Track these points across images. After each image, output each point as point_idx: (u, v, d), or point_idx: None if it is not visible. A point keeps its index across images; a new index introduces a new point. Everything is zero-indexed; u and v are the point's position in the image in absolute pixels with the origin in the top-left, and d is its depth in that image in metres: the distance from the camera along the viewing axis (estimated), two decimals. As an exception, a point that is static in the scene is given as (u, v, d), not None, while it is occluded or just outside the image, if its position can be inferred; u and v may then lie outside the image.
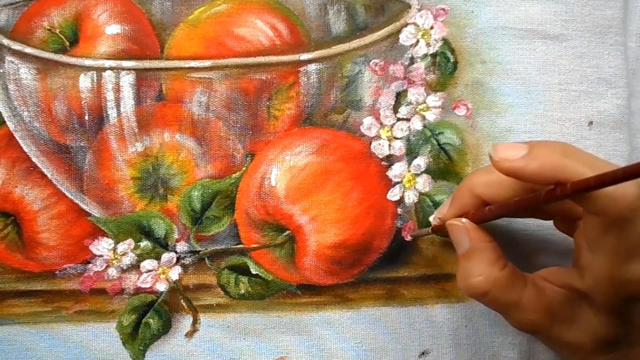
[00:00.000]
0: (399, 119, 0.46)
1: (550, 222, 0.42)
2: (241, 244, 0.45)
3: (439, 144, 0.46)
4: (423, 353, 0.45)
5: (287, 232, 0.45)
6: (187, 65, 0.44)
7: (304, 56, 0.45)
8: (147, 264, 0.45)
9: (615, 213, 0.33)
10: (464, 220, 0.39)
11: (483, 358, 0.46)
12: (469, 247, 0.38)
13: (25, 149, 0.45)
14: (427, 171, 0.46)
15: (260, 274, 0.45)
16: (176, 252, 0.45)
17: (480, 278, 0.38)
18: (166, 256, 0.45)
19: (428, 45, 0.46)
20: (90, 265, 0.45)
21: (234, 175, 0.45)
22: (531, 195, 0.36)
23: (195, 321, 0.45)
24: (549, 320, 0.38)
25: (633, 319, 0.38)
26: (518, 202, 0.36)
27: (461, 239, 0.39)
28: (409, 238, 0.46)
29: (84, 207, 0.45)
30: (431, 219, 0.43)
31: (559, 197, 0.34)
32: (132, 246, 0.45)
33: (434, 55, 0.46)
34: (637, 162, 0.29)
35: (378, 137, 0.46)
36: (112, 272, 0.45)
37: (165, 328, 0.45)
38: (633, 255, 0.34)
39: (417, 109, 0.46)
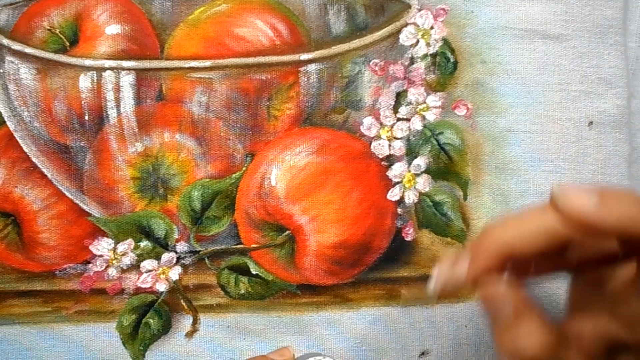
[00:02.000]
0: (399, 119, 0.46)
1: None
2: (241, 244, 0.45)
3: (439, 144, 0.46)
4: (423, 353, 0.45)
5: (287, 232, 0.45)
6: (187, 65, 0.44)
7: (304, 56, 0.45)
8: (147, 264, 0.45)
9: None
10: (502, 284, 0.34)
11: (483, 358, 0.46)
12: (512, 314, 0.34)
13: (25, 149, 0.45)
14: (427, 171, 0.46)
15: (260, 274, 0.45)
16: (176, 252, 0.45)
17: (529, 345, 0.34)
18: (166, 256, 0.45)
19: (428, 45, 0.46)
20: (90, 265, 0.45)
21: (234, 175, 0.45)
22: (605, 254, 0.32)
23: (195, 321, 0.45)
24: None
25: None
26: (584, 261, 0.33)
27: (501, 306, 0.34)
28: (408, 234, 0.46)
29: (84, 207, 0.45)
30: (432, 284, 0.36)
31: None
32: (132, 246, 0.45)
33: (434, 55, 0.46)
34: None
35: (378, 137, 0.46)
36: (112, 272, 0.45)
37: (165, 328, 0.45)
38: None
39: (417, 109, 0.46)
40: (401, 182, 0.46)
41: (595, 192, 0.31)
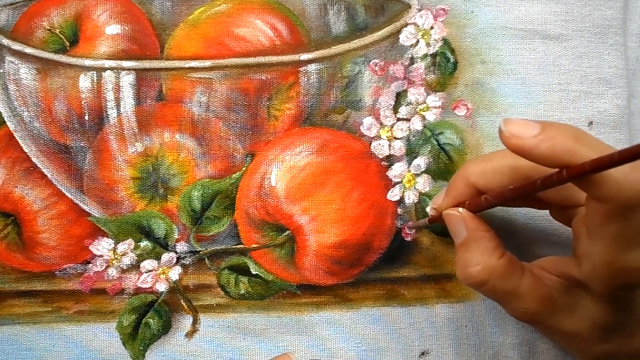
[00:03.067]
0: (399, 119, 0.46)
1: (546, 212, 0.42)
2: (241, 244, 0.45)
3: (439, 144, 0.46)
4: (423, 353, 0.45)
5: (287, 232, 0.45)
6: (187, 65, 0.44)
7: (304, 56, 0.45)
8: (147, 264, 0.45)
9: (621, 201, 0.33)
10: (460, 209, 0.39)
11: (483, 358, 0.46)
12: (466, 236, 0.38)
13: (25, 149, 0.45)
14: (427, 171, 0.46)
15: (260, 274, 0.45)
16: (176, 252, 0.45)
17: (478, 267, 0.38)
18: (166, 256, 0.45)
19: (428, 45, 0.46)
20: (90, 265, 0.45)
21: (234, 175, 0.45)
22: (528, 183, 0.35)
23: (195, 321, 0.45)
24: (547, 309, 0.38)
25: (631, 307, 0.38)
26: (514, 189, 0.36)
27: (458, 229, 0.39)
28: (408, 234, 0.46)
29: (84, 207, 0.45)
30: (428, 209, 0.43)
31: (555, 183, 0.33)
32: (132, 246, 0.45)
33: (434, 55, 0.46)
34: (633, 145, 0.29)
35: (378, 137, 0.46)
36: (112, 272, 0.45)
37: (165, 328, 0.45)
38: (634, 243, 0.34)
39: (417, 109, 0.46)
40: (401, 182, 0.46)
41: (538, 123, 0.34)
